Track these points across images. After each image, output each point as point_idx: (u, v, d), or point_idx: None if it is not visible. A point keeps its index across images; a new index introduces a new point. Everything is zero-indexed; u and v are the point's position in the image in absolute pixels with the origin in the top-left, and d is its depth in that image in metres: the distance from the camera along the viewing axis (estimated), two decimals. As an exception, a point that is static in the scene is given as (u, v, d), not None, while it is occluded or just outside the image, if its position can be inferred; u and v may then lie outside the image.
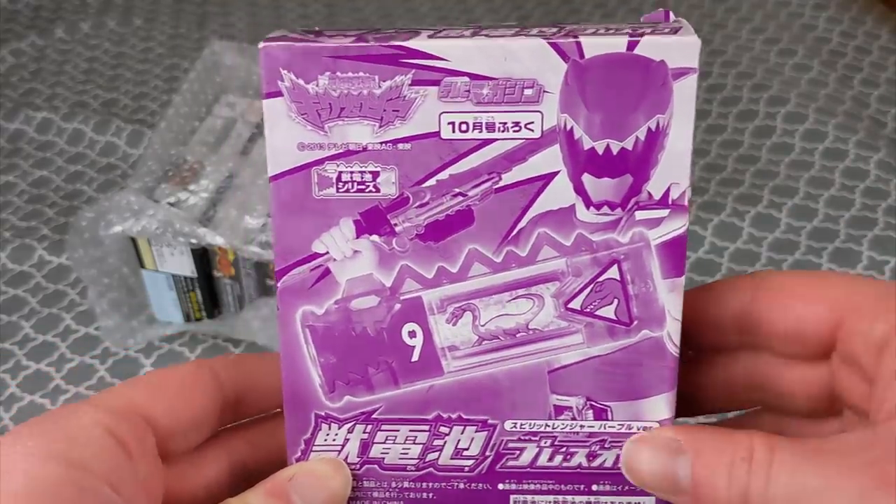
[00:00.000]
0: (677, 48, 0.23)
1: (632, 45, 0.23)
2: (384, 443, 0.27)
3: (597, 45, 0.23)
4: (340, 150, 0.24)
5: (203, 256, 0.62)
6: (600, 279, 0.25)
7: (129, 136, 0.87)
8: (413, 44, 0.23)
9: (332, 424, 0.27)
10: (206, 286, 0.64)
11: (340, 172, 0.24)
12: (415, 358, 0.26)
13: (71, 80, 0.98)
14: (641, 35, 0.23)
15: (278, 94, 0.24)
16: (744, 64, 0.92)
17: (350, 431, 0.27)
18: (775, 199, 0.75)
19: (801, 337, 0.24)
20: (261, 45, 0.24)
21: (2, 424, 0.57)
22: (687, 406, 0.27)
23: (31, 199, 0.81)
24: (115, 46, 1.04)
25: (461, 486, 0.27)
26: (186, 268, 0.63)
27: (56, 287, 0.71)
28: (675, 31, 0.23)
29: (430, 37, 0.24)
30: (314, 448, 0.27)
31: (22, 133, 0.89)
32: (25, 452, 0.22)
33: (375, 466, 0.27)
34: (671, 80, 0.23)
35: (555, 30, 0.24)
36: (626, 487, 0.27)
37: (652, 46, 0.23)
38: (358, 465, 0.27)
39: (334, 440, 0.27)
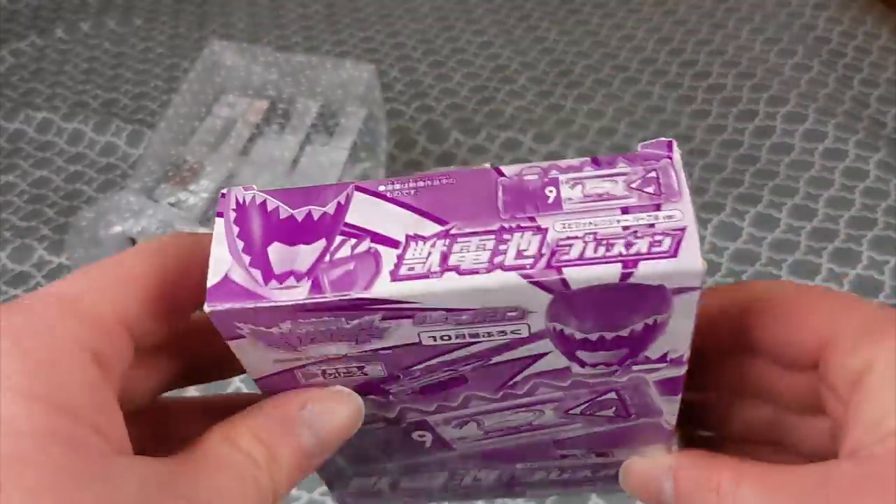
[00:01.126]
0: (677, 276, 0.20)
1: (625, 277, 0.20)
2: (410, 482, 0.30)
3: (585, 279, 0.20)
4: (320, 359, 0.22)
5: (203, 256, 0.62)
6: (599, 399, 0.25)
7: (129, 136, 0.87)
8: (376, 293, 0.20)
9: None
10: (206, 286, 0.64)
11: (324, 370, 0.23)
12: (427, 445, 0.27)
13: (71, 80, 0.98)
14: (636, 262, 0.20)
15: (240, 336, 0.21)
16: (744, 64, 0.92)
17: (380, 478, 0.30)
18: (775, 199, 0.75)
19: (787, 356, 0.25)
20: (207, 307, 0.20)
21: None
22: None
23: (31, 199, 0.81)
24: (115, 46, 1.04)
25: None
26: (186, 268, 0.63)
27: (56, 287, 0.71)
28: (675, 243, 0.20)
29: (393, 275, 0.20)
30: None
31: (22, 133, 0.89)
32: (4, 388, 0.18)
33: None
34: (671, 296, 0.20)
35: (535, 231, 0.20)
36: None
37: (649, 276, 0.20)
38: None
39: (367, 483, 0.30)
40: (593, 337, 0.22)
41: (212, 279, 0.21)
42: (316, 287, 0.20)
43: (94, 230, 0.61)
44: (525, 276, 0.20)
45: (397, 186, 0.21)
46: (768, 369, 0.26)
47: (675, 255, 0.20)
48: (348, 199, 0.21)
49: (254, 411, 0.23)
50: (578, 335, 0.21)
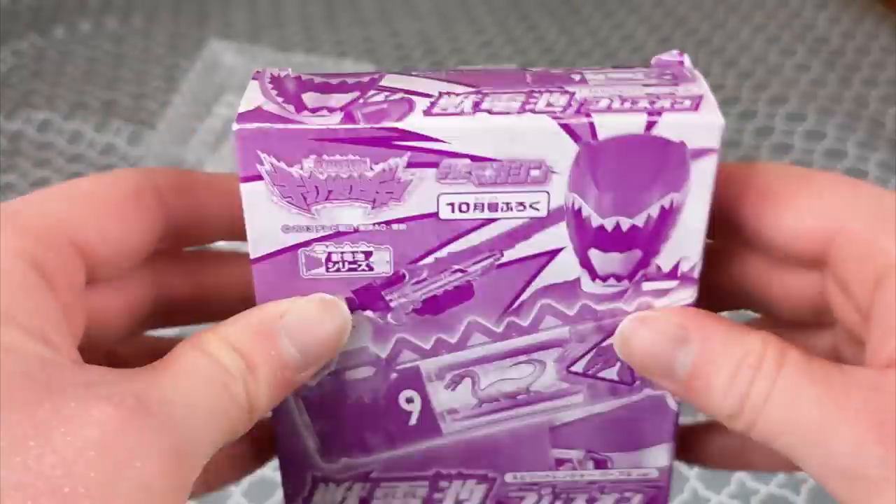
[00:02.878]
0: (699, 129, 0.21)
1: (650, 125, 0.21)
2: (383, 499, 0.26)
3: (612, 125, 0.21)
4: (329, 232, 0.22)
5: (203, 256, 0.62)
6: (603, 344, 0.24)
7: (129, 136, 0.87)
8: (409, 124, 0.20)
9: (330, 484, 0.26)
10: (206, 286, 0.64)
11: (330, 253, 0.22)
12: (413, 422, 0.25)
13: (71, 80, 0.98)
14: (660, 112, 0.21)
15: (258, 177, 0.21)
16: (744, 63, 0.92)
17: (348, 489, 0.26)
18: (775, 199, 0.75)
19: (788, 249, 0.22)
20: (235, 126, 0.20)
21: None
22: None
23: (31, 199, 0.81)
24: (115, 46, 1.04)
25: None
26: (186, 268, 0.63)
27: (56, 287, 0.71)
28: (696, 104, 0.21)
29: (426, 112, 0.21)
30: None
31: (22, 133, 0.89)
32: None
33: None
34: (689, 160, 0.21)
35: (563, 93, 0.22)
36: None
37: (672, 127, 0.21)
38: None
39: (332, 498, 0.26)
40: (609, 225, 0.22)
41: (243, 109, 0.21)
42: (349, 118, 0.21)
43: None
44: (555, 118, 0.21)
45: (429, 72, 0.23)
46: (764, 269, 0.23)
47: (696, 110, 0.21)
48: (381, 75, 0.22)
49: (231, 320, 0.21)
50: (595, 220, 0.22)
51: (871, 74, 0.90)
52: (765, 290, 0.23)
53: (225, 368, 0.20)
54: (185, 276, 0.25)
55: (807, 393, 0.19)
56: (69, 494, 0.16)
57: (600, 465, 0.26)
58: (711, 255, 0.23)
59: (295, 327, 0.21)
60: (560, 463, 0.26)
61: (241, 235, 0.22)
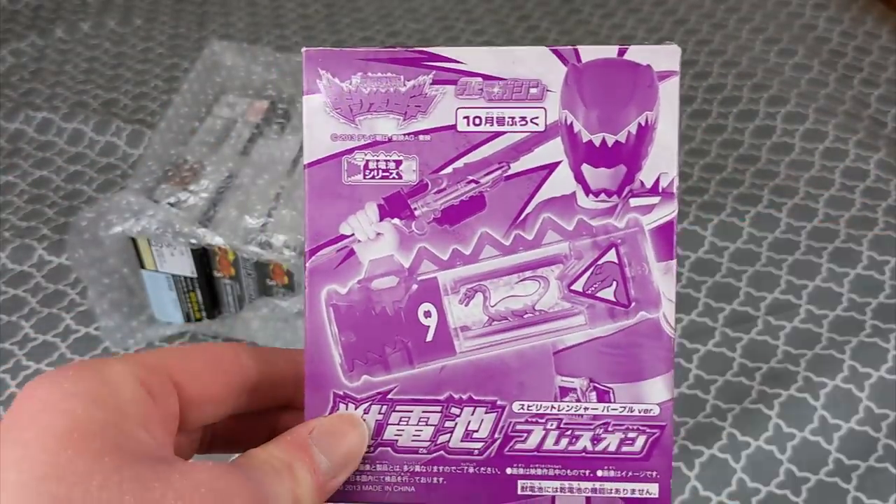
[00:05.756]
0: (661, 54, 0.27)
1: (622, 52, 0.27)
2: (398, 424, 0.28)
3: (592, 51, 0.27)
4: (368, 141, 0.27)
5: (203, 257, 0.62)
6: (600, 262, 0.27)
7: (129, 136, 0.87)
8: (433, 49, 0.27)
9: (350, 404, 0.28)
10: (206, 286, 0.64)
11: (367, 161, 0.27)
12: (429, 338, 0.28)
13: (71, 80, 0.98)
14: (628, 47, 0.27)
15: (317, 91, 0.27)
16: (744, 64, 0.92)
17: (366, 412, 0.28)
18: (775, 199, 0.75)
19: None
20: (303, 49, 0.27)
21: (2, 424, 0.57)
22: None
23: (31, 199, 0.81)
24: (115, 46, 1.04)
25: (471, 470, 0.28)
26: (186, 268, 0.63)
27: (56, 287, 0.71)
28: (658, 44, 0.28)
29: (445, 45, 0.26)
30: None
31: (22, 133, 0.89)
32: (65, 393, 0.22)
33: (389, 449, 0.28)
34: (657, 81, 0.27)
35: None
36: (630, 474, 0.28)
37: (639, 53, 0.27)
38: (372, 448, 0.28)
39: None
40: (597, 140, 0.27)
41: (306, 50, 0.27)
42: (388, 47, 0.27)
43: (94, 230, 0.61)
44: (547, 47, 0.27)
45: None
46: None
47: (658, 45, 0.27)
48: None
49: (273, 441, 0.26)
50: (585, 136, 0.27)
51: (871, 74, 0.90)
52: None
53: (274, 467, 0.25)
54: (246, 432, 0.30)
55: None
56: None
57: (603, 396, 0.28)
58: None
59: (322, 437, 0.26)
60: (564, 393, 0.28)
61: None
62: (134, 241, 0.62)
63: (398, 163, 0.27)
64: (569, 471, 0.28)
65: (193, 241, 0.60)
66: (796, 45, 0.94)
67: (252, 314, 0.63)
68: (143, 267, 0.63)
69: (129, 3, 1.12)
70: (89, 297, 0.65)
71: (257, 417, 0.30)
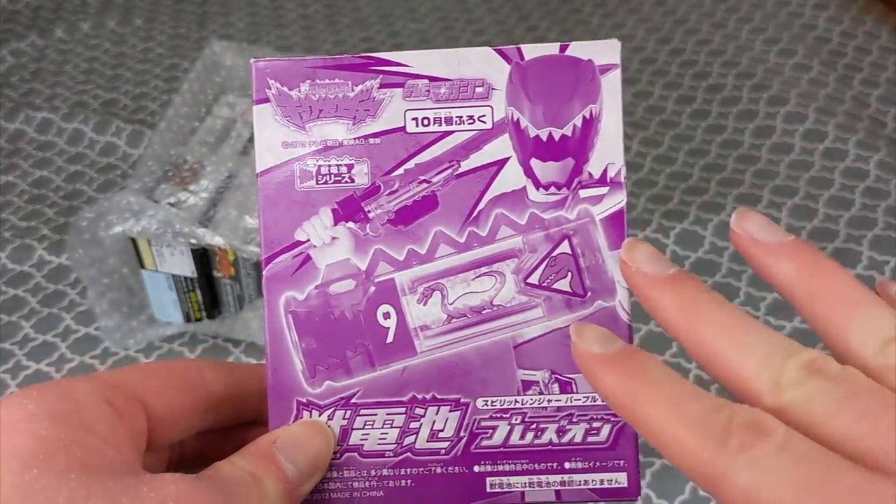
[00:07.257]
0: (601, 48, 0.27)
1: (563, 48, 0.27)
2: (363, 428, 0.28)
3: (534, 49, 0.27)
4: (319, 147, 0.28)
5: (203, 257, 0.62)
6: (554, 254, 0.28)
7: (129, 136, 0.87)
8: (379, 54, 0.28)
9: (314, 411, 0.28)
10: (206, 286, 0.64)
11: (319, 166, 0.28)
12: (389, 339, 0.28)
13: (71, 80, 0.98)
14: (570, 44, 0.28)
15: (266, 100, 0.28)
16: (744, 64, 0.92)
17: (330, 418, 0.28)
18: (775, 199, 0.75)
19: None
20: (251, 61, 0.28)
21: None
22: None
23: (31, 199, 0.81)
24: (115, 46, 1.04)
25: (438, 470, 0.28)
26: (186, 268, 0.63)
27: (56, 287, 0.71)
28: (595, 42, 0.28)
29: (391, 50, 0.26)
30: None
31: (22, 133, 0.89)
32: (29, 414, 0.23)
33: (355, 454, 0.28)
34: (599, 75, 0.27)
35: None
36: (598, 464, 0.28)
37: (580, 48, 0.27)
38: (338, 454, 0.28)
39: None
40: (544, 135, 0.27)
41: (254, 62, 0.28)
42: (335, 56, 0.28)
43: (94, 230, 0.61)
44: (491, 47, 0.28)
45: None
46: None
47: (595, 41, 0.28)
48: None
49: (239, 452, 0.26)
50: (531, 131, 0.27)
51: (871, 74, 0.90)
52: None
53: (242, 478, 0.25)
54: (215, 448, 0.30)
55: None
56: None
57: (565, 387, 0.28)
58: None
59: (286, 446, 0.26)
60: (527, 386, 0.28)
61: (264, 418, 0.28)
62: (134, 241, 0.62)
63: (350, 167, 0.28)
64: (536, 465, 0.28)
65: (193, 241, 0.60)
66: (796, 45, 0.94)
67: (252, 314, 0.63)
68: (143, 267, 0.63)
69: (129, 3, 1.12)
70: (89, 297, 0.65)
71: (225, 434, 0.30)
